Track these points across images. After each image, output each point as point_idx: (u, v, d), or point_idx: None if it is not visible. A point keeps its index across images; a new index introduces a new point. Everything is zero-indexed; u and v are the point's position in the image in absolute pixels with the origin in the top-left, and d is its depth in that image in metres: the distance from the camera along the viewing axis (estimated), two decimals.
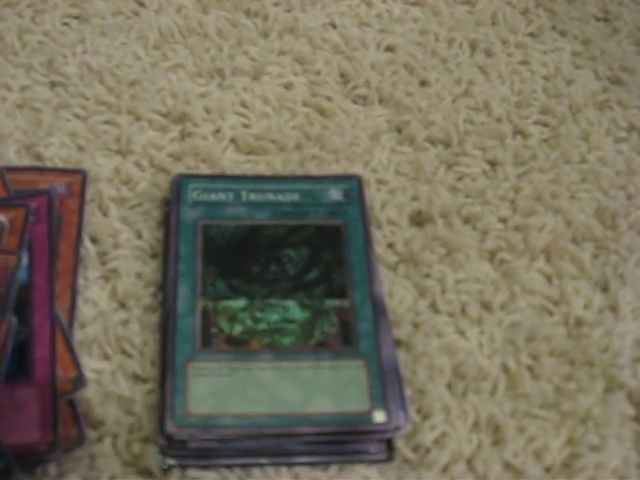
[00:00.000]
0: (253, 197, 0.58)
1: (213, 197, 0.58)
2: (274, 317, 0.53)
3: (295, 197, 0.59)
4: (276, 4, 0.77)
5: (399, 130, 0.67)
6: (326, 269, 0.55)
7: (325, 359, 0.51)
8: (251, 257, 0.55)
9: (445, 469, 0.49)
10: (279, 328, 0.52)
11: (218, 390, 0.49)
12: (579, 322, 0.56)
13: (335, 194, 0.59)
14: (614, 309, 0.57)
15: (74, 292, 0.54)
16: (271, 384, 0.49)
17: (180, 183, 0.59)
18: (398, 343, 0.54)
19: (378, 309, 0.53)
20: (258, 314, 0.53)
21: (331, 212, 0.58)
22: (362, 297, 0.54)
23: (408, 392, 0.51)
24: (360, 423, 0.48)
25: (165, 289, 0.54)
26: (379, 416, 0.48)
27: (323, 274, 0.55)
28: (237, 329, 0.52)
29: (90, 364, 0.52)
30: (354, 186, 0.60)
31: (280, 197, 0.59)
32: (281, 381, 0.50)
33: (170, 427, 0.47)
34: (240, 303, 0.53)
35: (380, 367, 0.51)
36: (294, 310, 0.53)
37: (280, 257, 0.56)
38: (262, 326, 0.52)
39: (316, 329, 0.52)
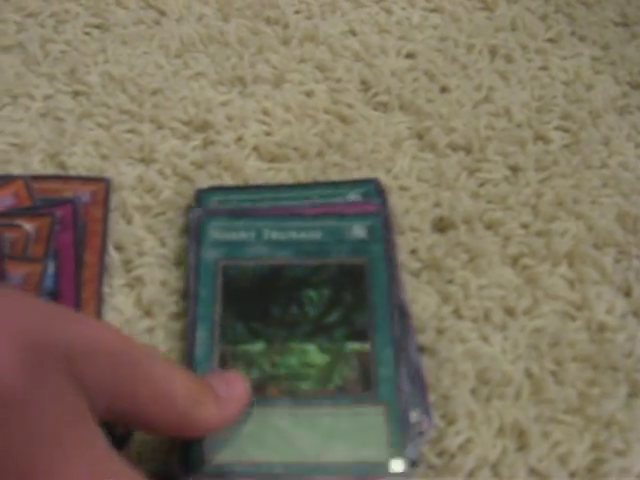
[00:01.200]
0: (275, 235, 0.57)
1: (234, 236, 0.57)
2: (293, 361, 0.52)
3: (318, 235, 0.57)
4: (296, 12, 0.77)
5: (420, 137, 0.67)
6: (347, 311, 0.54)
7: (344, 405, 0.50)
8: (271, 298, 0.54)
9: (470, 474, 0.49)
10: (298, 373, 0.51)
11: (234, 437, 0.48)
12: (602, 327, 0.56)
13: (358, 231, 0.57)
14: (637, 314, 0.57)
15: (99, 300, 0.55)
16: (288, 431, 0.49)
17: (201, 222, 0.58)
18: (422, 349, 0.54)
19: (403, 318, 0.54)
20: (277, 358, 0.52)
21: (354, 250, 0.57)
22: (383, 340, 0.52)
23: (432, 398, 0.52)
24: (377, 473, 0.47)
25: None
26: (397, 466, 0.48)
27: (344, 316, 0.54)
28: (254, 374, 0.51)
29: None
30: (378, 223, 0.58)
31: (303, 235, 0.57)
32: (298, 428, 0.49)
33: (185, 476, 0.47)
34: (258, 347, 0.52)
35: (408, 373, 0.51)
36: (314, 354, 0.52)
37: (301, 298, 0.54)
38: (280, 371, 0.51)
39: (335, 373, 0.51)
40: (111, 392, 0.43)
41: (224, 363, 0.51)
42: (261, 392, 0.50)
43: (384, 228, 0.58)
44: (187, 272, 0.56)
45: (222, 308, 0.54)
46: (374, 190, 0.60)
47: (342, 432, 0.49)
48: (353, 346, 0.52)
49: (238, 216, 0.58)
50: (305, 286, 0.55)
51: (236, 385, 0.48)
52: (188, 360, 0.52)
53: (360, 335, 0.53)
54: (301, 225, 0.58)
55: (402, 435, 0.48)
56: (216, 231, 0.57)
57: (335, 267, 0.56)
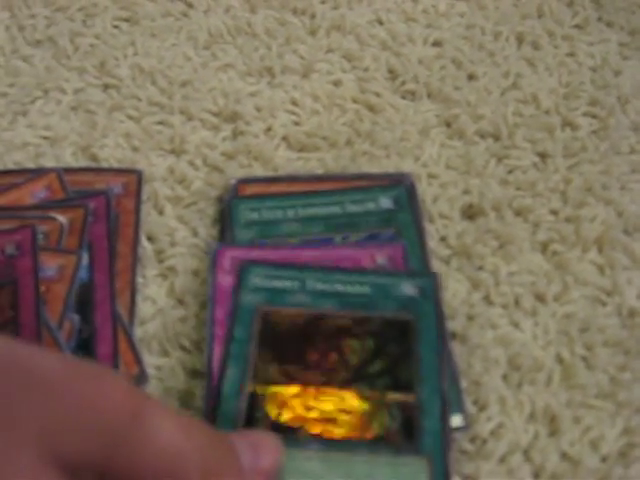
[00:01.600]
0: (320, 286, 0.54)
1: (276, 284, 0.54)
2: (329, 406, 0.49)
3: (365, 289, 0.54)
4: (323, 2, 0.78)
5: (448, 124, 0.68)
6: (391, 362, 0.51)
7: (382, 454, 0.46)
8: (310, 344, 0.52)
9: (502, 460, 0.49)
10: (333, 418, 0.48)
11: None
12: (632, 312, 0.56)
13: (408, 289, 0.54)
14: None
15: (133, 290, 0.55)
16: (318, 476, 0.45)
17: (244, 268, 0.55)
18: (453, 335, 0.54)
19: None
20: (311, 402, 0.49)
21: (403, 306, 0.53)
22: (430, 393, 0.49)
23: (464, 384, 0.52)
24: None
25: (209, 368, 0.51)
26: None
27: (388, 367, 0.51)
28: (285, 415, 0.48)
29: (150, 360, 0.53)
30: (429, 283, 0.55)
31: (349, 288, 0.54)
32: (329, 473, 0.45)
33: None
34: (292, 390, 0.49)
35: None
36: (352, 401, 0.49)
37: (342, 347, 0.51)
38: (314, 414, 0.48)
39: (374, 422, 0.48)
40: (102, 468, 0.37)
41: (254, 401, 0.49)
42: (291, 434, 0.47)
43: (434, 286, 0.55)
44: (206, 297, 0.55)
45: (257, 349, 0.51)
46: (405, 194, 0.60)
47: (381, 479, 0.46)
48: (396, 396, 0.49)
49: (282, 267, 0.56)
50: (348, 335, 0.52)
51: (266, 454, 0.42)
52: (210, 398, 0.49)
53: (404, 386, 0.50)
54: (348, 279, 0.55)
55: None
56: (258, 278, 0.55)
57: (381, 320, 0.53)
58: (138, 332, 0.54)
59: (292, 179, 0.62)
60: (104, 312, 0.53)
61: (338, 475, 0.45)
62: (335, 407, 0.49)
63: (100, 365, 0.47)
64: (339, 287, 0.54)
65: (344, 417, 0.48)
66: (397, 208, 0.58)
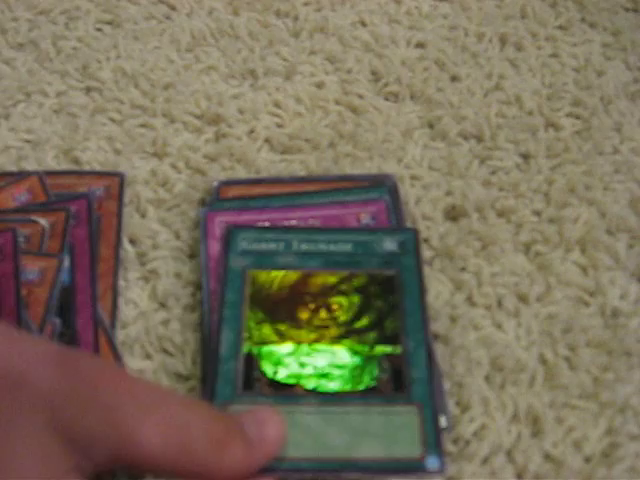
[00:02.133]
0: (304, 247, 0.57)
1: (263, 246, 0.56)
2: (322, 362, 0.51)
3: (348, 247, 0.57)
4: (306, 4, 0.78)
5: (431, 126, 0.68)
6: (378, 316, 0.54)
7: (375, 404, 0.49)
8: (300, 304, 0.54)
9: (485, 461, 0.49)
10: (326, 373, 0.51)
11: None
12: (615, 312, 0.56)
13: (390, 244, 0.57)
14: None
15: (115, 293, 0.55)
16: (316, 428, 0.48)
17: (230, 233, 0.57)
18: (436, 337, 0.54)
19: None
20: (305, 359, 0.51)
21: (385, 262, 0.56)
22: (416, 344, 0.52)
23: (447, 386, 0.52)
24: (411, 470, 0.47)
25: (203, 330, 0.54)
26: (432, 463, 0.47)
27: (375, 321, 0.53)
28: (281, 373, 0.51)
29: (133, 364, 0.53)
30: (410, 237, 0.58)
31: (332, 247, 0.57)
32: (327, 425, 0.48)
33: None
34: (286, 348, 0.52)
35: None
36: (343, 355, 0.52)
37: (330, 304, 0.54)
38: (308, 370, 0.51)
39: (365, 374, 0.51)
40: (112, 443, 0.39)
41: (250, 361, 0.51)
42: (288, 391, 0.50)
43: (415, 241, 0.57)
44: (199, 266, 0.57)
45: (249, 311, 0.53)
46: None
47: (374, 430, 0.48)
48: (384, 348, 0.52)
49: (267, 229, 0.58)
50: (335, 293, 0.55)
51: (269, 426, 0.45)
52: (208, 361, 0.51)
53: (391, 339, 0.52)
54: (331, 238, 0.57)
55: (436, 434, 0.48)
56: (245, 242, 0.57)
57: (366, 277, 0.55)
58: (120, 335, 0.54)
59: (274, 181, 0.62)
60: (85, 316, 0.52)
61: (335, 426, 0.48)
62: (328, 362, 0.51)
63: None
64: (323, 246, 0.57)
65: (337, 371, 0.51)
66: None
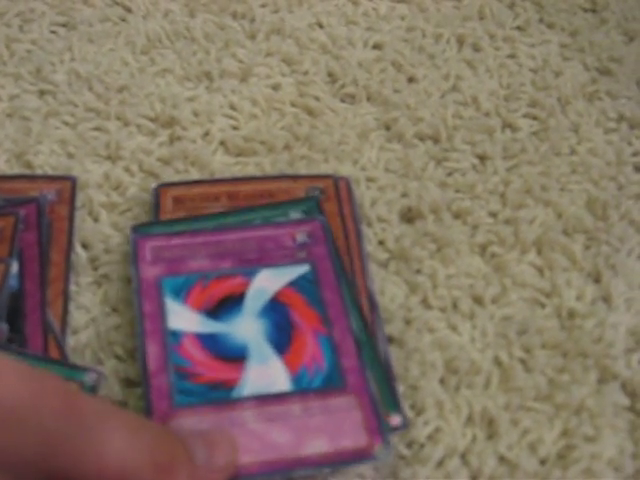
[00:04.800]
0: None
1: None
2: None
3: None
4: (263, 5, 0.77)
5: (388, 127, 0.67)
6: None
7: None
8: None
9: (440, 464, 0.49)
10: None
11: None
12: (571, 314, 0.56)
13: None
14: (606, 300, 0.57)
15: (66, 298, 0.54)
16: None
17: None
18: (390, 340, 0.54)
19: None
20: None
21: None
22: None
23: (401, 389, 0.51)
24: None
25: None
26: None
27: None
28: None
29: None
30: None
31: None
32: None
33: None
34: None
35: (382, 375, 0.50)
36: None
37: None
38: None
39: None
40: (46, 467, 0.36)
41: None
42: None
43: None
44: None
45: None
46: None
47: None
48: None
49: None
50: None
51: (219, 451, 0.43)
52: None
53: None
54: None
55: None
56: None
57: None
58: (71, 341, 0.53)
59: (213, 181, 0.62)
60: (34, 321, 0.52)
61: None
62: None
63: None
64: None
65: None
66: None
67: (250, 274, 0.54)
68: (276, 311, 0.53)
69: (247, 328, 0.52)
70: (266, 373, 0.50)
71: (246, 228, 0.57)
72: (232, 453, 0.43)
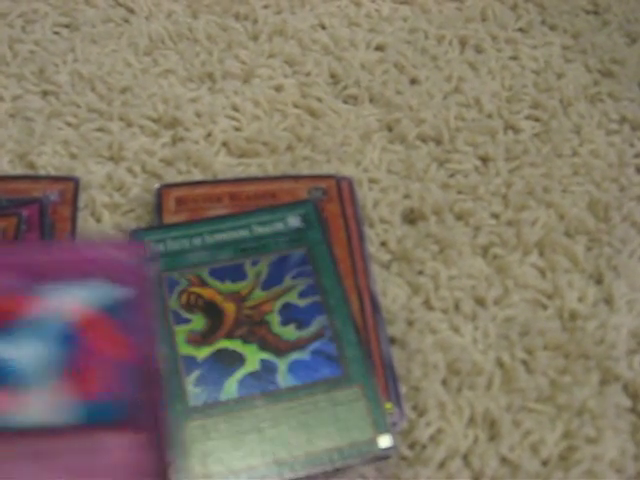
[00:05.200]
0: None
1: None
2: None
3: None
4: (265, 7, 0.77)
5: (390, 129, 0.67)
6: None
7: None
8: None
9: (442, 465, 0.49)
10: None
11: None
12: (573, 315, 0.56)
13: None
14: (608, 301, 0.57)
15: None
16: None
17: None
18: (392, 341, 0.54)
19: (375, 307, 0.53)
20: None
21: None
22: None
23: (403, 389, 0.51)
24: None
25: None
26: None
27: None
28: None
29: None
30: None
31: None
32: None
33: None
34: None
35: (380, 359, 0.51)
36: None
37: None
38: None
39: None
40: None
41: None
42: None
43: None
44: None
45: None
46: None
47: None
48: None
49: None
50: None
51: None
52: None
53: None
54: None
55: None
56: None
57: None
58: None
59: (216, 182, 0.62)
60: None
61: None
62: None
63: None
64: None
65: None
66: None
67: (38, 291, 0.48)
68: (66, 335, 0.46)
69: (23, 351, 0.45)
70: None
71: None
72: None
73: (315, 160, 0.64)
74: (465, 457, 0.49)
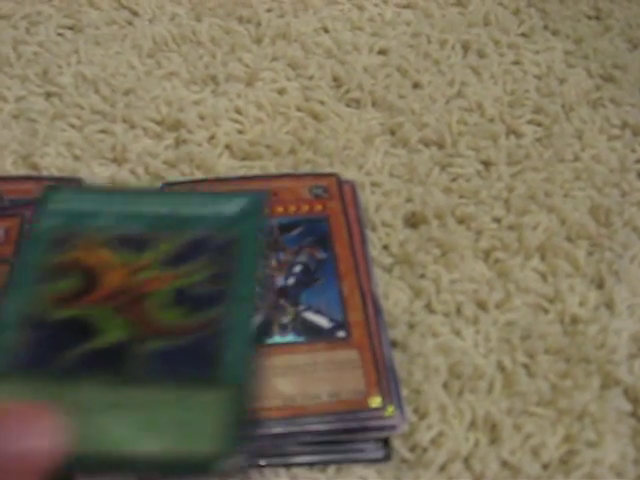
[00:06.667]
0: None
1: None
2: None
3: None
4: (268, 10, 0.77)
5: (392, 132, 0.67)
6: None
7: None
8: None
9: (442, 468, 0.49)
10: None
11: None
12: (574, 319, 0.56)
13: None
14: (609, 306, 0.57)
15: None
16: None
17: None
18: (394, 344, 0.54)
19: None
20: None
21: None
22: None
23: (404, 392, 0.52)
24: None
25: None
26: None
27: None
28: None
29: None
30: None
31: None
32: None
33: None
34: None
35: (381, 362, 0.50)
36: None
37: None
38: None
39: None
40: None
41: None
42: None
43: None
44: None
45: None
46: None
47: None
48: None
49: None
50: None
51: (33, 433, 0.33)
52: None
53: None
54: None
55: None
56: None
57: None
58: None
59: (217, 180, 0.62)
60: None
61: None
62: None
63: None
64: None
65: None
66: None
67: None
68: None
69: None
70: None
71: None
72: (53, 435, 0.34)
73: (317, 163, 0.64)
74: (466, 460, 0.49)
